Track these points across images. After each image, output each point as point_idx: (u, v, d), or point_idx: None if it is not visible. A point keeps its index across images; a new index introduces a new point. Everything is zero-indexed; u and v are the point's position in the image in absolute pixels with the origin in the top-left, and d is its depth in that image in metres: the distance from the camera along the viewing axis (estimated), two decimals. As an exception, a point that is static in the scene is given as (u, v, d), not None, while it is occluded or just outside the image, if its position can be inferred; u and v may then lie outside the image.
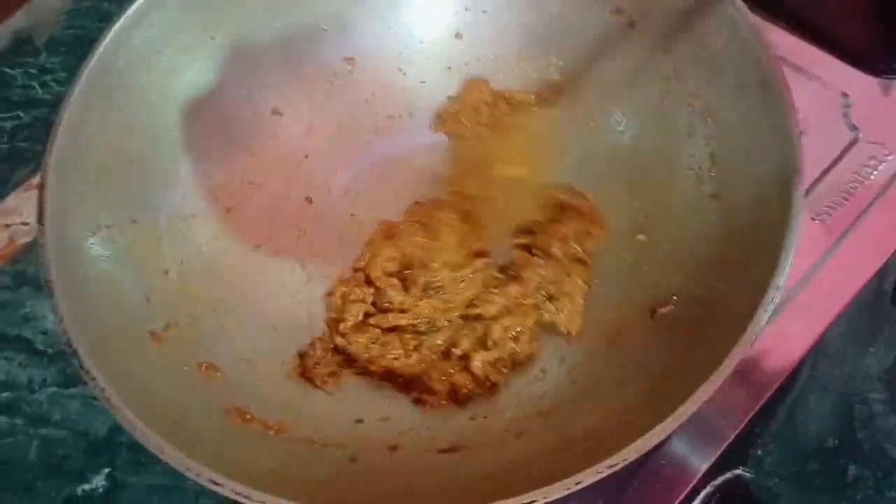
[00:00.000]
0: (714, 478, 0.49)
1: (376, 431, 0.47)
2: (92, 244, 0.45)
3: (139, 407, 0.39)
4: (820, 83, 0.58)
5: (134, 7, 0.48)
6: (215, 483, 0.36)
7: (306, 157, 0.56)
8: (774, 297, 0.39)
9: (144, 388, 0.41)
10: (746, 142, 0.47)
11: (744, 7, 0.46)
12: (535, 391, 0.48)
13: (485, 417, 0.48)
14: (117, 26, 0.47)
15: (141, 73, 0.49)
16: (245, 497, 0.36)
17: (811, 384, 0.53)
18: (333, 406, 0.49)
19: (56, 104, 0.64)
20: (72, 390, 0.56)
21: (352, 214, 0.56)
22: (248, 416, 0.45)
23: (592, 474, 0.36)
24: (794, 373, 0.51)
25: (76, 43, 0.70)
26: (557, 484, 0.35)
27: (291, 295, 0.53)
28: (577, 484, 0.35)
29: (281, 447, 0.44)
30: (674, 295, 0.47)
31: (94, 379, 0.39)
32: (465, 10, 0.57)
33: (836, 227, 0.53)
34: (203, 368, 0.46)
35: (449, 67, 0.57)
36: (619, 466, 0.36)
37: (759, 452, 0.51)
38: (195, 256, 0.51)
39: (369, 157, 0.57)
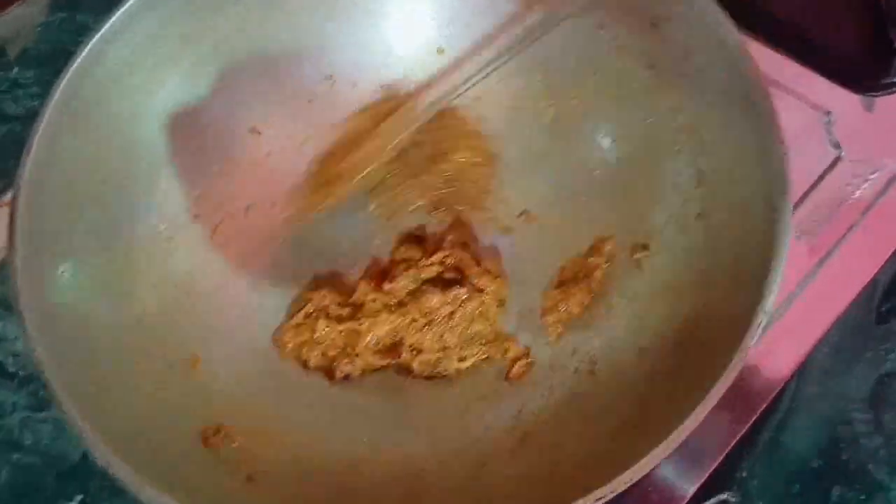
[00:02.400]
0: (700, 503, 0.49)
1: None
2: (64, 270, 0.44)
3: (114, 438, 0.38)
4: (803, 100, 0.58)
5: (109, 24, 0.47)
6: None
7: (286, 176, 0.55)
8: (762, 321, 0.39)
9: (120, 417, 0.41)
10: (732, 160, 0.46)
11: (729, 22, 0.46)
12: (510, 417, 0.48)
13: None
14: (92, 43, 0.46)
15: (115, 91, 0.48)
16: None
17: (795, 405, 0.53)
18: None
19: (29, 119, 0.63)
20: (43, 414, 0.54)
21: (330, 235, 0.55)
22: (223, 434, 0.45)
23: (580, 508, 0.35)
24: (779, 394, 0.51)
25: (50, 56, 0.69)
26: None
27: (274, 317, 0.52)
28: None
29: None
30: (661, 320, 0.46)
31: (66, 412, 0.38)
32: (446, 25, 0.56)
33: (821, 247, 0.53)
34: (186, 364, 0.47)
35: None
36: (608, 498, 0.35)
37: (745, 475, 0.51)
38: (173, 280, 0.50)
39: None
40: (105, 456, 0.37)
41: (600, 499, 0.35)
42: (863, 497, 0.51)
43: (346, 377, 0.50)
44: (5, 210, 0.59)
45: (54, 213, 0.44)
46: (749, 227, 0.43)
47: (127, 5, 0.47)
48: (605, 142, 0.54)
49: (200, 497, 0.37)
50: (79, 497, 0.52)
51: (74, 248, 0.45)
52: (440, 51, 0.56)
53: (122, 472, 0.37)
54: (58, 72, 0.46)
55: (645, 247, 0.50)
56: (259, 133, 0.55)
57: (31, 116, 0.45)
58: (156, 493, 0.36)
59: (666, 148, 0.50)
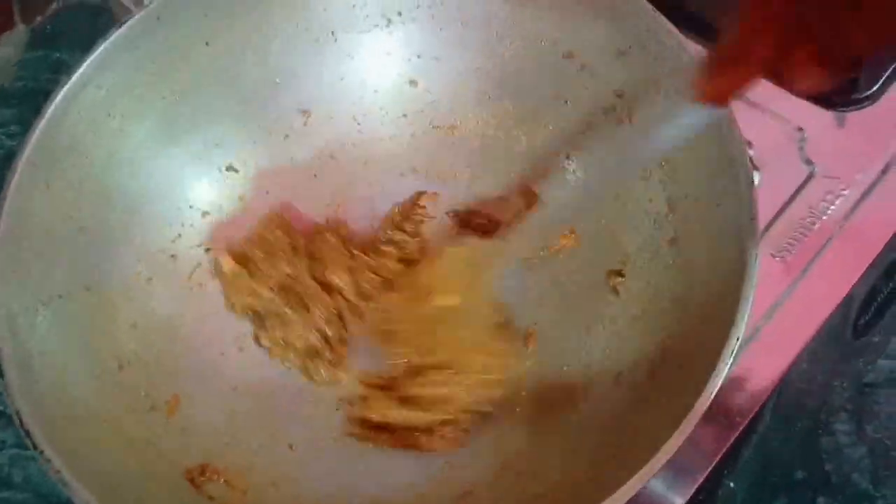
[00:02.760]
0: (684, 521, 0.49)
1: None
2: (43, 317, 0.44)
3: (99, 485, 0.38)
4: (775, 117, 0.58)
5: (82, 68, 0.47)
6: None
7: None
8: (735, 345, 0.39)
9: (102, 464, 0.41)
10: (701, 188, 0.47)
11: (692, 49, 0.47)
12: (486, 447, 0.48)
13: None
14: (65, 89, 0.47)
15: (89, 137, 0.48)
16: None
17: (778, 418, 0.53)
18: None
19: (6, 159, 0.63)
20: (31, 452, 0.54)
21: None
22: (208, 475, 0.45)
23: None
24: (762, 408, 0.52)
25: (28, 95, 0.69)
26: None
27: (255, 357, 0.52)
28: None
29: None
30: (637, 345, 0.47)
31: (48, 461, 0.38)
32: (418, 57, 0.56)
33: (796, 264, 0.53)
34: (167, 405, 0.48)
35: (405, 115, 0.57)
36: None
37: (731, 488, 0.51)
38: (152, 321, 0.50)
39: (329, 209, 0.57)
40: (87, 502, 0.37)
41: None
42: (847, 507, 0.52)
43: None
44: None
45: (31, 260, 0.45)
46: (720, 254, 0.43)
47: (101, 48, 0.48)
48: (579, 170, 0.54)
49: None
50: (70, 536, 0.52)
51: (53, 294, 0.45)
52: (413, 83, 0.57)
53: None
54: (35, 111, 0.46)
55: (620, 273, 0.50)
56: (237, 171, 0.56)
57: (10, 156, 0.45)
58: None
59: (637, 175, 0.50)
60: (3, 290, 0.42)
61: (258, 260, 0.52)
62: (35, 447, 0.38)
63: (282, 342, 0.51)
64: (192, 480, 0.45)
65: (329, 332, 0.51)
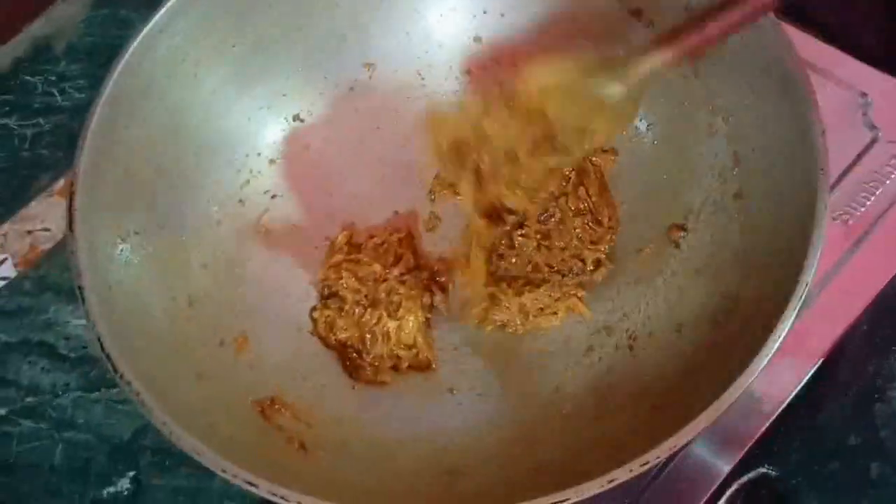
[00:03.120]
0: (739, 476, 0.49)
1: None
2: (121, 251, 0.45)
3: (173, 409, 0.39)
4: (838, 83, 0.58)
5: (158, 16, 0.48)
6: (251, 484, 0.36)
7: (329, 165, 0.57)
8: (802, 294, 0.39)
9: (176, 391, 0.42)
10: (769, 141, 0.47)
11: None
12: (550, 392, 0.49)
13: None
14: (142, 35, 0.48)
15: (164, 82, 0.49)
16: (281, 498, 0.36)
17: (833, 383, 0.53)
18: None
19: (75, 112, 0.65)
20: (95, 394, 0.56)
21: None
22: (277, 406, 0.47)
23: (625, 472, 0.36)
24: (817, 372, 0.51)
25: (94, 50, 0.70)
26: (590, 482, 0.35)
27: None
28: (609, 482, 0.36)
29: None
30: (699, 298, 0.47)
31: (128, 383, 0.39)
32: (484, 13, 0.57)
33: (857, 228, 0.53)
34: (235, 342, 0.49)
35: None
36: (652, 464, 0.36)
37: (784, 451, 0.51)
38: (222, 262, 0.51)
39: (391, 163, 0.58)
40: (168, 426, 0.38)
41: (645, 464, 0.36)
42: (902, 475, 0.52)
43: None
44: (56, 200, 0.62)
45: (111, 198, 0.46)
46: (786, 207, 0.43)
47: (177, -4, 0.49)
48: (641, 125, 0.54)
49: (259, 463, 0.38)
50: (131, 473, 0.53)
51: (131, 230, 0.47)
52: (477, 39, 0.57)
53: (185, 441, 0.38)
54: (102, 65, 0.47)
55: (682, 227, 0.51)
56: (302, 121, 0.56)
57: (78, 109, 0.46)
58: (219, 460, 0.37)
59: (702, 130, 0.51)
60: (84, 224, 0.43)
61: (366, 251, 0.54)
62: (115, 370, 0.39)
63: (325, 324, 0.52)
64: (261, 412, 0.46)
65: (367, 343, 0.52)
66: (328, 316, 0.52)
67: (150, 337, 0.44)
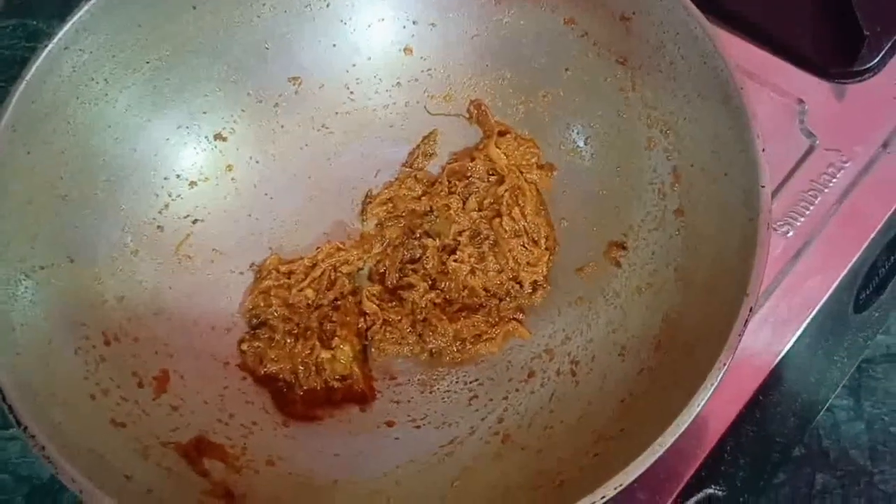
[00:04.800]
0: (686, 499, 0.49)
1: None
2: (25, 288, 0.42)
3: (84, 464, 0.37)
4: (775, 90, 0.57)
5: (63, 30, 0.45)
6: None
7: (254, 185, 0.54)
8: (746, 318, 0.38)
9: (88, 441, 0.39)
10: (708, 156, 0.46)
11: (699, 15, 0.45)
12: (493, 421, 0.47)
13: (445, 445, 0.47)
14: (46, 52, 0.45)
15: (71, 102, 0.46)
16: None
17: (777, 395, 0.52)
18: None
19: (-16, 130, 0.62)
20: (11, 431, 0.54)
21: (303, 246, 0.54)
22: (202, 447, 0.44)
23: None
24: (762, 386, 0.51)
25: (3, 64, 0.67)
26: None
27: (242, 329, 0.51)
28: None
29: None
30: (641, 319, 0.46)
31: (32, 436, 0.36)
32: (413, 23, 0.55)
33: (798, 238, 0.53)
34: (156, 381, 0.46)
35: (399, 83, 0.56)
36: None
37: (730, 469, 0.51)
38: (140, 294, 0.48)
39: (319, 181, 0.55)
40: (78, 484, 0.36)
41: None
42: (846, 483, 0.52)
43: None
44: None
45: (14, 228, 0.43)
46: (728, 223, 0.42)
47: (84, 9, 0.46)
48: (579, 139, 0.53)
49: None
50: (51, 515, 0.51)
51: (36, 265, 0.44)
52: (408, 50, 0.55)
53: (96, 500, 0.35)
54: (11, 80, 0.44)
55: (623, 245, 0.50)
56: (224, 140, 0.54)
57: (-13, 127, 0.43)
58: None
59: (640, 144, 0.49)
60: (-18, 260, 0.40)
61: (296, 276, 0.52)
62: (18, 423, 0.37)
63: (254, 357, 0.50)
64: (185, 455, 0.43)
65: (300, 374, 0.50)
66: (257, 347, 0.50)
67: (59, 383, 0.41)
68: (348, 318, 0.51)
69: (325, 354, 0.49)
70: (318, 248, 0.53)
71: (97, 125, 0.48)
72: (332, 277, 0.52)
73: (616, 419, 0.42)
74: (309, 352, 0.49)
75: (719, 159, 0.44)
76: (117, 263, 0.48)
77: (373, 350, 0.51)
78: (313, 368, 0.49)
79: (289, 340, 0.50)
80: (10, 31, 0.69)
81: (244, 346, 0.50)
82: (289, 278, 0.52)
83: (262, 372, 0.49)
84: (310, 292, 0.51)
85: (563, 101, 0.53)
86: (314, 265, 0.52)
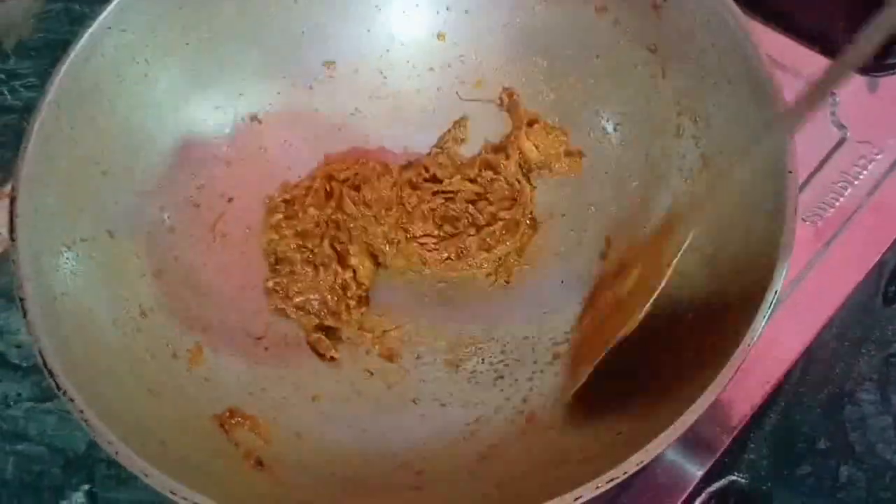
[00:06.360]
0: (709, 484, 0.49)
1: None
2: (66, 259, 0.43)
3: (121, 428, 0.37)
4: (806, 81, 0.57)
5: (107, 11, 0.46)
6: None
7: (288, 168, 0.55)
8: (772, 301, 0.38)
9: (125, 407, 0.40)
10: (737, 142, 0.46)
11: (731, 3, 0.46)
12: (518, 401, 0.48)
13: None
14: (89, 32, 0.46)
15: (113, 81, 0.47)
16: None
17: (803, 387, 0.52)
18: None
19: (26, 110, 0.63)
20: (48, 405, 0.54)
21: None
22: (236, 419, 0.45)
23: (591, 489, 0.35)
24: (787, 376, 0.51)
25: (46, 47, 0.68)
26: (556, 499, 0.34)
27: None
28: (575, 500, 0.34)
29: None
30: (669, 305, 0.46)
31: (72, 400, 0.37)
32: (447, 9, 0.55)
33: (827, 229, 0.53)
34: (190, 353, 0.47)
35: (432, 69, 0.56)
36: (620, 480, 0.35)
37: (753, 457, 0.51)
38: (175, 270, 0.49)
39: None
40: (114, 446, 0.37)
41: (612, 480, 0.35)
42: (871, 476, 0.51)
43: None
44: (6, 203, 0.60)
45: (56, 203, 0.44)
46: (755, 209, 0.43)
47: (125, -7, 0.47)
48: (608, 126, 0.53)
49: (212, 483, 0.37)
50: (85, 487, 0.52)
51: (77, 237, 0.45)
52: (441, 36, 0.56)
53: (132, 462, 0.36)
54: (55, 62, 0.45)
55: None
56: (260, 122, 0.55)
57: (29, 107, 0.45)
58: (168, 481, 0.35)
59: (669, 131, 0.50)
60: (27, 231, 0.41)
61: (298, 205, 0.53)
62: (58, 387, 0.38)
63: (281, 293, 0.51)
64: (220, 425, 0.44)
65: (329, 302, 0.51)
66: (279, 282, 0.51)
67: (97, 351, 0.42)
68: (352, 228, 0.53)
69: (347, 274, 0.51)
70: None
71: (137, 104, 0.49)
72: (329, 188, 0.53)
73: (639, 399, 0.42)
74: (333, 278, 0.51)
75: (748, 146, 0.44)
76: (155, 239, 0.49)
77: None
78: (340, 292, 0.51)
79: (308, 270, 0.51)
80: (55, 15, 0.70)
81: (269, 284, 0.51)
82: (294, 206, 0.53)
83: (292, 308, 0.51)
84: (312, 210, 0.52)
85: (593, 88, 0.53)
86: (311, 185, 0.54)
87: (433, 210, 0.54)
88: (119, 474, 0.52)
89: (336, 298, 0.51)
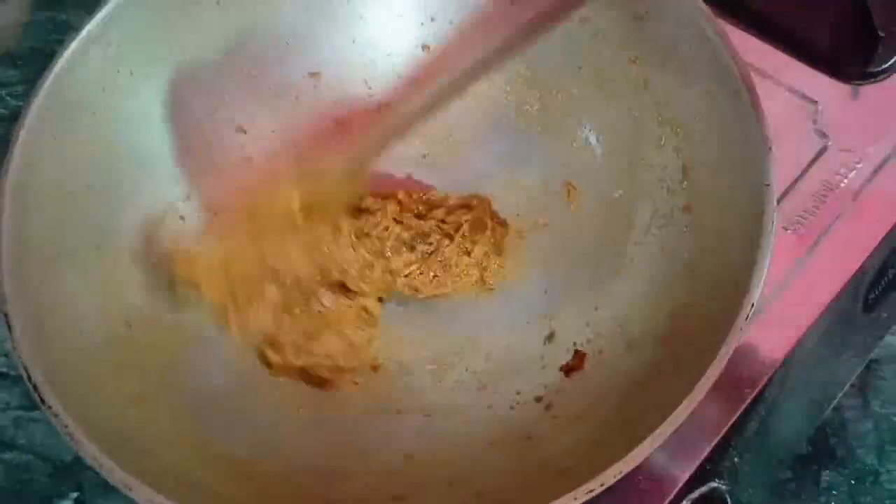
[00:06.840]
0: (691, 491, 0.49)
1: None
2: (51, 273, 0.44)
3: (106, 440, 0.38)
4: (788, 89, 0.58)
5: (92, 22, 0.46)
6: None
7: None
8: (749, 312, 0.39)
9: (110, 420, 0.40)
10: (717, 153, 0.46)
11: (711, 16, 0.46)
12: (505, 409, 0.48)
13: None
14: (75, 43, 0.46)
15: (99, 93, 0.48)
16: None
17: (784, 393, 0.53)
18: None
19: (13, 120, 0.63)
20: (36, 413, 0.54)
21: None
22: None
23: (569, 500, 0.35)
24: (769, 382, 0.51)
25: (33, 56, 0.69)
26: (534, 512, 0.35)
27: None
28: (553, 512, 0.35)
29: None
30: (648, 314, 0.46)
31: (56, 415, 0.38)
32: (432, 20, 0.56)
33: (808, 237, 0.53)
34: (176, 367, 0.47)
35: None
36: (598, 491, 0.35)
37: (735, 463, 0.51)
38: (160, 281, 0.49)
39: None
40: (97, 461, 0.37)
41: (590, 492, 0.35)
42: (852, 482, 0.52)
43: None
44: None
45: (41, 215, 0.44)
46: (735, 220, 0.43)
47: (111, 4, 0.47)
48: (591, 136, 0.54)
49: (197, 496, 0.37)
50: (74, 495, 0.52)
51: (61, 249, 0.45)
52: (425, 47, 0.56)
53: (112, 472, 0.37)
54: (41, 72, 0.45)
55: (631, 241, 0.50)
56: (244, 132, 0.55)
57: (15, 117, 0.44)
58: (148, 492, 0.36)
59: (651, 142, 0.50)
60: (11, 244, 0.41)
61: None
62: (43, 402, 0.38)
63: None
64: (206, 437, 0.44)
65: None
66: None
67: (83, 364, 0.42)
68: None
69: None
70: None
71: (122, 116, 0.49)
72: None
73: (618, 410, 0.43)
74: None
75: (728, 157, 0.45)
76: (140, 252, 0.49)
77: None
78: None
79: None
80: (40, 25, 0.70)
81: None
82: None
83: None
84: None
85: (576, 99, 0.54)
86: None
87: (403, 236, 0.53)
88: (107, 482, 0.51)
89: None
